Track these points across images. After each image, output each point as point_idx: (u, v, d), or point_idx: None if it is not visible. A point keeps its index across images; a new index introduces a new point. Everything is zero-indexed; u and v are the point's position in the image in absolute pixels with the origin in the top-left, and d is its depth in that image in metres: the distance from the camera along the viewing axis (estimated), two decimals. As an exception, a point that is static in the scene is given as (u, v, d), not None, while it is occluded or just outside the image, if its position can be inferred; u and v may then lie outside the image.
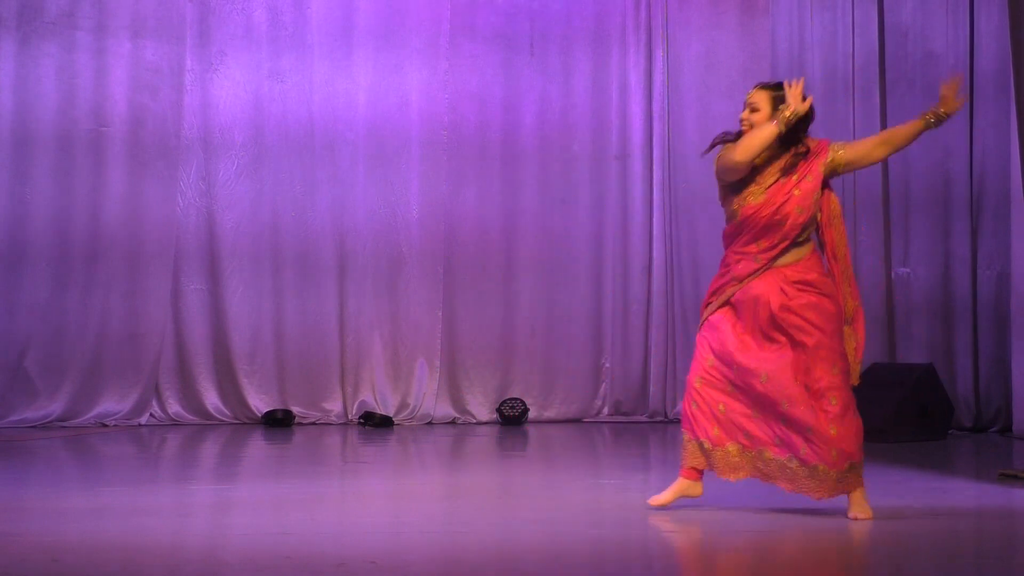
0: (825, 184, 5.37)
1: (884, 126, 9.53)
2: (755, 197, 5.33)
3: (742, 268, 5.35)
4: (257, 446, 8.39)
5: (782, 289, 5.28)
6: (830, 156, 5.32)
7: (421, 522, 5.31)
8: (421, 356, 9.82)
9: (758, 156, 5.30)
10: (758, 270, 5.32)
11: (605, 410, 10.09)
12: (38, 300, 9.25)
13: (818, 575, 4.40)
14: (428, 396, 9.80)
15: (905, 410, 8.50)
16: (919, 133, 5.29)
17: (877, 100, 9.59)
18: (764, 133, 5.28)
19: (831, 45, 9.67)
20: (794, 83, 5.28)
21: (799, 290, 5.27)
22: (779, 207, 5.28)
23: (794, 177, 5.31)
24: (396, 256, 9.81)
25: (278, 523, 5.19)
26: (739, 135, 5.38)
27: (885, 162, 9.50)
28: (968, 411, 9.33)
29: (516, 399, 9.86)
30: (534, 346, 10.02)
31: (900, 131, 5.36)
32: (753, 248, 5.34)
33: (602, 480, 6.78)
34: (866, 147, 5.38)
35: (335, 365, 9.74)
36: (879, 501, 5.36)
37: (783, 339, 5.25)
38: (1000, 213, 9.19)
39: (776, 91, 5.36)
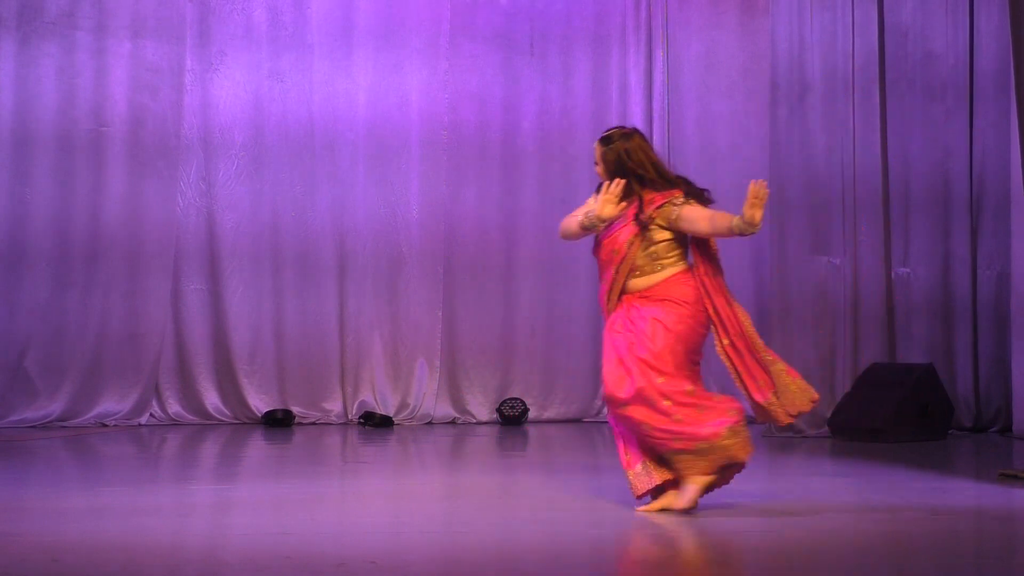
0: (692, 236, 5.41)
1: (884, 126, 9.52)
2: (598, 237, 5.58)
3: (602, 300, 5.57)
4: (257, 446, 8.39)
5: (628, 314, 5.39)
6: (664, 207, 5.37)
7: (421, 522, 5.31)
8: (421, 356, 9.82)
9: (573, 239, 5.59)
10: (611, 301, 5.50)
11: (605, 410, 10.07)
12: (38, 300, 9.25)
13: (818, 575, 4.39)
14: (428, 396, 9.80)
15: (905, 410, 8.50)
16: (732, 235, 5.27)
17: (877, 100, 9.57)
18: (572, 226, 5.55)
19: (831, 45, 9.65)
20: (613, 185, 5.36)
21: (648, 303, 5.37)
22: (603, 247, 5.53)
23: (621, 219, 5.46)
24: (396, 256, 9.81)
25: (278, 523, 5.19)
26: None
27: (885, 162, 9.50)
28: (968, 411, 9.33)
29: (516, 399, 9.86)
30: (534, 346, 10.01)
31: (722, 222, 5.29)
32: (602, 284, 5.57)
33: (602, 480, 6.78)
34: (698, 216, 5.35)
35: (335, 365, 9.74)
36: (879, 501, 5.35)
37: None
38: (1000, 213, 9.19)
39: (604, 145, 5.50)
